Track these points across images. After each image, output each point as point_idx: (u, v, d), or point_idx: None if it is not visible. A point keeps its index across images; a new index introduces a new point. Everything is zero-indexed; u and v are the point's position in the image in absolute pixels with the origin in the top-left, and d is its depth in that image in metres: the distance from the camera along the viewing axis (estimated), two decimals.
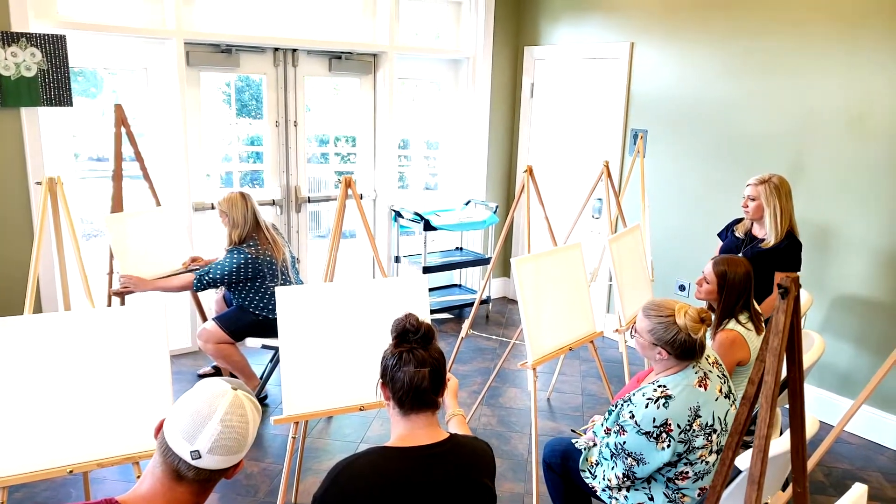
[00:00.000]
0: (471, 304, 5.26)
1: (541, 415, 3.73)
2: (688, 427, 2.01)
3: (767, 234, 3.11)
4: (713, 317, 2.57)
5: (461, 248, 5.53)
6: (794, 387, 1.30)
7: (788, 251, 3.05)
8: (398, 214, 5.00)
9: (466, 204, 5.37)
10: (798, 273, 3.05)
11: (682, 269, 4.32)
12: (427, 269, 4.91)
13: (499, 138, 5.41)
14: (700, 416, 2.02)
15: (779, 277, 3.17)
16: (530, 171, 2.83)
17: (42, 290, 3.73)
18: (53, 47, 3.49)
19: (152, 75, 4.08)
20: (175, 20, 3.91)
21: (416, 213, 4.85)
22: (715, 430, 2.05)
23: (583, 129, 4.93)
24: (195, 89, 4.22)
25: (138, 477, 2.01)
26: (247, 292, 3.48)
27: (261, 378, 3.71)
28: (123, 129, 3.55)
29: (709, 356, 2.16)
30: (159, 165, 4.12)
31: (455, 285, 5.63)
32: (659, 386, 2.05)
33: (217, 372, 3.99)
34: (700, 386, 2.05)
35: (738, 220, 3.34)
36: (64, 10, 3.65)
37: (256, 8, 4.30)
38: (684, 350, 2.02)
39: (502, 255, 5.67)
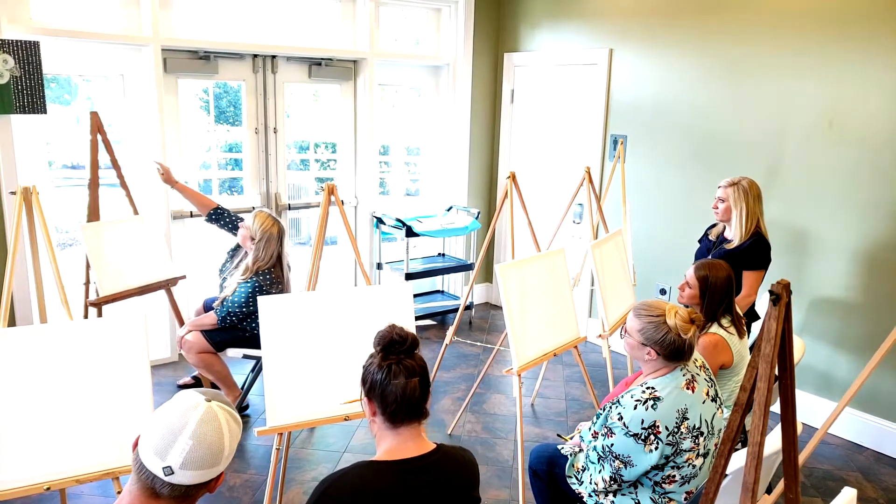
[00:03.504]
0: (453, 311, 5.25)
1: (525, 420, 3.72)
2: (675, 429, 2.01)
3: (733, 234, 3.16)
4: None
5: (443, 255, 5.52)
6: (785, 394, 1.30)
7: (752, 249, 3.09)
8: (380, 221, 4.98)
9: (448, 210, 5.36)
10: (764, 271, 3.11)
11: (662, 274, 4.36)
12: (409, 276, 4.89)
13: (480, 144, 5.42)
14: (688, 419, 2.03)
15: (746, 276, 3.21)
16: (513, 177, 2.84)
17: (16, 302, 3.65)
18: (26, 53, 3.42)
19: (129, 82, 4.02)
20: (152, 26, 3.86)
21: (398, 220, 4.84)
22: (702, 433, 2.06)
23: (563, 134, 4.95)
24: (173, 96, 4.17)
25: (118, 492, 1.97)
26: (245, 317, 3.45)
27: (242, 388, 3.67)
28: (100, 137, 3.49)
29: (696, 359, 2.17)
30: (136, 173, 4.06)
31: (437, 291, 5.62)
32: (647, 388, 2.06)
33: (197, 382, 3.93)
34: (688, 388, 2.06)
35: (714, 225, 3.39)
36: (37, 15, 3.58)
37: (235, 14, 4.27)
38: (673, 351, 2.03)
39: (485, 261, 5.67)
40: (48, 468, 1.90)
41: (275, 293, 3.42)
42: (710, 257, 3.07)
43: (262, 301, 2.24)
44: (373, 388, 1.60)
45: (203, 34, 4.16)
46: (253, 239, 3.40)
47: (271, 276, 3.42)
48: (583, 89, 4.74)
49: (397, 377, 1.57)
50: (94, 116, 3.47)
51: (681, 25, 4.08)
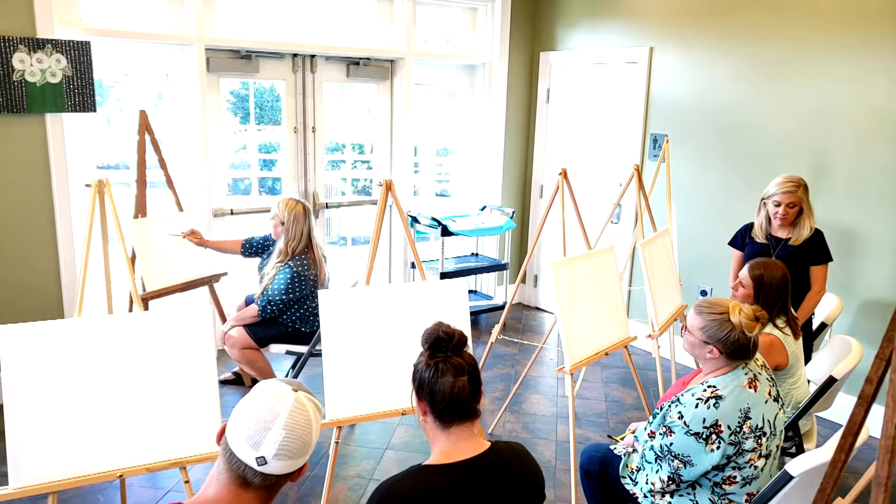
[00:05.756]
0: (487, 311, 5.25)
1: (565, 421, 3.71)
2: (738, 429, 1.99)
3: (796, 232, 3.10)
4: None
5: (476, 254, 5.52)
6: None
7: (819, 244, 3.09)
8: (414, 220, 4.99)
9: (482, 209, 5.36)
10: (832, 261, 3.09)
11: (703, 275, 4.31)
12: (444, 275, 4.90)
13: (514, 144, 5.41)
14: (750, 419, 2.00)
15: (817, 271, 3.15)
16: (564, 173, 2.83)
17: (64, 294, 3.71)
18: (78, 53, 3.48)
19: (173, 81, 4.07)
20: (196, 26, 3.91)
21: (434, 219, 4.84)
22: (764, 434, 2.03)
23: (601, 134, 4.93)
24: (215, 95, 4.22)
25: (186, 481, 1.99)
26: (286, 307, 3.48)
27: None
28: (147, 136, 3.53)
29: (757, 358, 2.14)
30: (176, 171, 4.10)
31: (471, 291, 5.62)
32: (709, 386, 2.04)
33: (238, 378, 3.96)
34: (750, 387, 2.03)
35: (749, 226, 3.31)
36: (88, 17, 3.65)
37: (276, 14, 4.31)
38: (737, 349, 2.01)
39: (518, 261, 5.66)
40: (120, 457, 1.93)
41: (312, 278, 3.45)
42: (776, 257, 3.03)
43: (323, 295, 2.26)
44: (421, 387, 1.58)
45: (245, 34, 4.20)
46: (283, 223, 3.44)
47: (306, 260, 3.45)
48: (621, 88, 4.72)
49: (444, 375, 1.55)
50: (143, 115, 3.53)
51: (722, 24, 4.04)
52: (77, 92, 3.52)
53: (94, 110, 3.60)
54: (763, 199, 3.20)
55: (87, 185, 2.10)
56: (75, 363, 1.92)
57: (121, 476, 1.88)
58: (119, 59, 3.86)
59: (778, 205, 3.10)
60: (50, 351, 1.89)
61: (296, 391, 1.28)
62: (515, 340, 4.89)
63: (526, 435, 3.54)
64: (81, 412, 1.92)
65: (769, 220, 3.19)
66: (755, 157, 3.99)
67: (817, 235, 3.11)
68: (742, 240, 3.34)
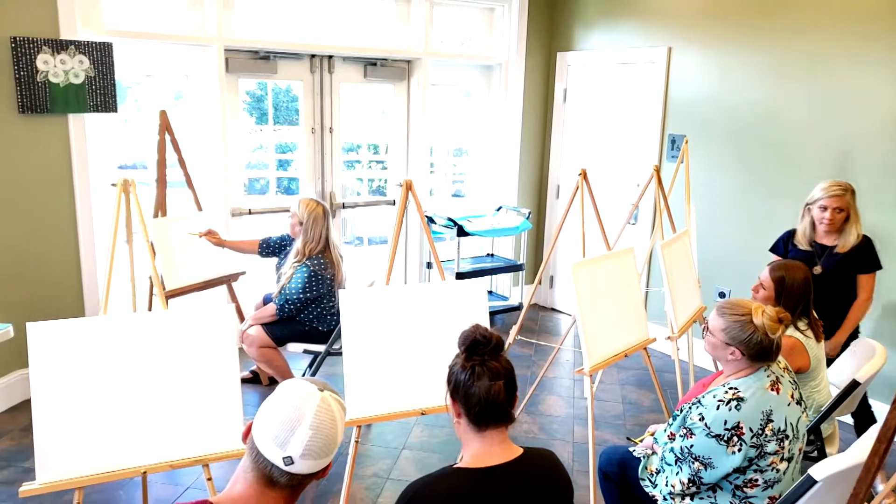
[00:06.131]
0: (503, 311, 5.24)
1: (581, 422, 3.70)
2: (760, 431, 1.97)
3: (843, 238, 2.98)
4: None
5: (492, 255, 5.51)
6: None
7: (868, 251, 2.98)
8: (430, 220, 4.99)
9: (498, 210, 5.35)
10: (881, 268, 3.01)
11: (722, 277, 4.28)
12: (460, 276, 4.90)
13: (530, 144, 5.41)
14: (772, 421, 1.99)
15: (865, 280, 3.06)
16: (584, 174, 2.82)
17: (85, 292, 3.75)
18: (100, 55, 3.52)
19: (192, 82, 4.11)
20: (216, 27, 3.94)
21: (450, 219, 4.85)
22: (787, 437, 2.01)
23: (618, 134, 4.91)
24: (234, 95, 4.25)
25: (208, 478, 2.01)
26: (304, 306, 3.50)
27: None
28: (168, 136, 3.57)
29: (780, 361, 2.13)
30: (195, 171, 4.13)
31: (486, 292, 5.61)
32: (730, 388, 2.02)
33: (255, 377, 3.99)
34: (772, 390, 2.02)
35: (791, 233, 3.21)
36: (110, 18, 3.68)
37: (294, 15, 4.33)
38: (759, 350, 1.99)
39: (534, 262, 5.65)
40: (144, 453, 1.95)
41: (329, 278, 3.47)
42: (821, 265, 2.97)
43: (344, 294, 2.27)
44: (457, 389, 1.58)
45: (263, 35, 4.23)
46: (301, 223, 3.45)
47: (323, 260, 3.47)
48: (639, 88, 4.69)
49: (481, 379, 1.54)
50: (163, 116, 3.56)
51: (743, 23, 4.01)
52: (99, 92, 3.56)
53: (116, 110, 3.64)
54: (807, 204, 3.07)
55: (113, 185, 2.13)
56: (101, 360, 1.94)
57: (144, 472, 1.91)
58: (139, 59, 3.90)
59: (824, 209, 2.96)
60: (77, 348, 1.91)
61: (321, 391, 1.29)
62: (532, 341, 4.89)
63: (543, 436, 3.53)
64: (107, 409, 1.94)
65: (814, 227, 3.05)
66: (775, 159, 3.96)
67: (866, 242, 2.98)
68: (784, 246, 3.21)
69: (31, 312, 3.57)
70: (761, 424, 1.98)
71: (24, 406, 3.65)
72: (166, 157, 3.58)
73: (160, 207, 3.62)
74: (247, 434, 1.30)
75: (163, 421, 1.98)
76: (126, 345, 1.96)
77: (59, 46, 3.39)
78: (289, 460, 1.22)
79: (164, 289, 3.52)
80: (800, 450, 2.10)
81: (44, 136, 3.48)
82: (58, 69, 3.41)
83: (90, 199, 3.67)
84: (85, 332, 1.91)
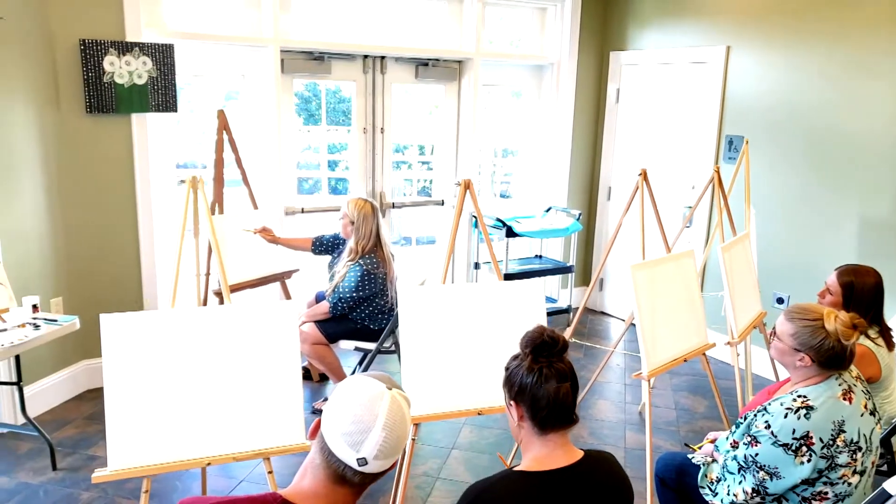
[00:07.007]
0: (552, 314, 5.19)
1: (633, 428, 3.64)
2: (831, 442, 1.90)
3: None
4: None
5: (540, 256, 5.47)
6: None
7: None
8: (477, 220, 4.98)
9: (547, 211, 5.31)
10: None
11: (780, 282, 4.16)
12: (508, 277, 4.87)
13: (581, 145, 5.35)
14: (844, 432, 1.92)
15: None
16: (644, 174, 2.77)
17: (144, 286, 3.86)
18: (162, 56, 3.62)
19: (249, 82, 4.19)
20: (272, 28, 4.01)
21: (499, 220, 4.83)
22: (860, 448, 1.94)
23: (672, 135, 4.81)
24: (288, 95, 4.32)
25: (269, 472, 2.04)
26: (356, 304, 3.54)
27: None
28: (226, 135, 3.64)
29: (851, 369, 2.05)
30: (249, 170, 4.21)
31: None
32: (798, 396, 1.96)
33: (306, 373, 4.04)
34: (844, 399, 1.94)
35: None
36: (171, 20, 3.78)
37: (347, 16, 4.38)
38: (831, 357, 1.92)
39: (583, 263, 5.59)
40: (209, 445, 2.00)
41: (381, 276, 3.50)
42: None
43: (403, 292, 2.28)
44: (521, 392, 1.55)
45: (318, 36, 4.28)
46: (353, 223, 3.49)
47: (376, 258, 3.50)
48: (694, 88, 4.60)
49: (549, 381, 1.51)
50: (222, 115, 3.64)
51: (804, 20, 3.88)
52: (160, 92, 3.65)
53: (176, 110, 3.74)
54: None
55: (182, 181, 2.18)
56: (170, 352, 1.99)
57: (209, 463, 1.95)
58: (197, 60, 3.99)
59: None
60: (147, 339, 1.97)
61: (390, 389, 1.28)
62: (587, 344, 4.83)
63: (593, 441, 3.48)
64: (175, 400, 1.99)
65: None
66: (839, 161, 3.82)
67: None
68: None
69: (92, 305, 3.69)
70: (832, 435, 1.91)
71: (87, 395, 3.77)
72: (223, 156, 3.66)
73: (217, 204, 3.69)
74: (315, 431, 1.29)
75: (227, 413, 2.02)
76: (194, 338, 2.00)
77: (124, 48, 3.50)
78: (363, 461, 1.22)
79: (219, 285, 3.60)
80: (872, 463, 2.02)
81: (109, 135, 3.60)
82: (123, 70, 3.52)
83: (150, 197, 3.77)
84: (155, 325, 1.96)
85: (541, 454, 1.55)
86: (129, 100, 3.56)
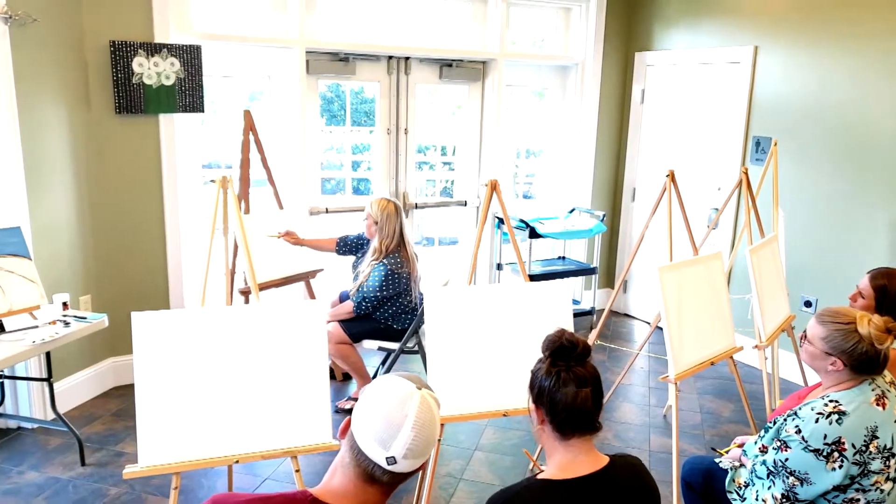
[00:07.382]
0: (575, 315, 5.15)
1: (657, 431, 3.60)
2: (864, 448, 1.87)
3: None
4: None
5: (563, 257, 5.44)
6: None
7: None
8: (500, 221, 4.97)
9: (571, 212, 5.28)
10: None
11: (808, 285, 4.09)
12: (531, 278, 4.85)
13: (605, 146, 5.31)
14: (877, 438, 1.88)
15: None
16: (672, 175, 2.74)
17: (170, 285, 3.90)
18: (190, 57, 3.67)
19: (274, 83, 4.22)
20: (298, 29, 4.04)
21: (522, 221, 4.81)
22: (893, 455, 1.90)
23: (698, 136, 4.76)
24: (313, 96, 4.35)
25: (297, 470, 2.05)
26: (380, 304, 3.55)
27: (374, 378, 3.76)
28: (252, 136, 3.68)
29: (885, 375, 2.01)
30: (274, 170, 4.24)
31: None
32: (830, 401, 1.92)
33: (330, 372, 4.05)
34: (878, 404, 1.91)
35: None
36: (198, 22, 3.83)
37: (372, 17, 4.39)
38: (864, 362, 1.88)
39: (607, 265, 5.55)
40: (238, 443, 2.02)
41: (405, 276, 3.51)
42: None
43: (428, 294, 2.29)
44: (541, 395, 1.54)
45: (343, 37, 4.31)
46: (377, 223, 3.51)
47: (399, 258, 3.52)
48: (721, 89, 4.54)
49: (567, 385, 1.50)
50: (248, 116, 3.67)
51: (834, 20, 3.82)
52: (188, 93, 3.70)
53: (203, 110, 3.78)
54: None
55: (212, 181, 2.21)
56: (200, 350, 2.02)
57: (237, 461, 1.96)
58: (221, 61, 4.03)
59: None
60: (177, 337, 1.99)
61: (419, 389, 1.28)
62: (611, 346, 4.79)
63: (617, 444, 3.46)
64: (204, 397, 2.01)
65: None
66: (869, 162, 3.75)
67: None
68: None
69: (119, 303, 3.74)
70: (865, 441, 1.87)
71: (114, 392, 3.83)
72: (249, 156, 3.69)
73: (243, 204, 3.73)
74: (345, 431, 1.30)
75: (256, 411, 2.04)
76: (224, 336, 2.03)
77: (152, 49, 3.55)
78: (392, 460, 1.22)
79: (245, 284, 3.64)
80: None
81: (137, 135, 3.65)
82: (151, 71, 3.57)
83: (177, 197, 3.82)
84: (186, 323, 1.99)
85: (564, 460, 1.54)
86: (157, 100, 3.61)
